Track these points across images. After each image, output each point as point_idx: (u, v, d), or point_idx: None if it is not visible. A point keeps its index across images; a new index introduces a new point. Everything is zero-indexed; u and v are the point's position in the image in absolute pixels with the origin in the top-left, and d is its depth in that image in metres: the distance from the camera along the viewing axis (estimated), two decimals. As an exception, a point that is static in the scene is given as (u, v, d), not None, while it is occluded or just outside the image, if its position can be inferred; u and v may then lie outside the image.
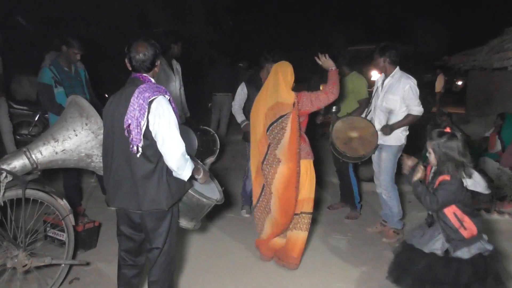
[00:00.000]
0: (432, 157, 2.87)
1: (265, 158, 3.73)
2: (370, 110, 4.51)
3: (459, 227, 2.78)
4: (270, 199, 3.75)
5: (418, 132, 5.21)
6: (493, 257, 2.82)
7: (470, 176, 2.79)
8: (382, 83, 4.35)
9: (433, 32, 16.22)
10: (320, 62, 3.80)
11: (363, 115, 4.57)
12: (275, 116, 3.64)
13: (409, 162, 3.07)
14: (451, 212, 2.81)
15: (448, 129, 2.87)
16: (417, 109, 4.13)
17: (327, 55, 3.78)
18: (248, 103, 4.80)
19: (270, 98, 3.69)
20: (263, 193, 3.83)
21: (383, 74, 4.39)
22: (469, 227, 2.78)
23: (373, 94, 4.52)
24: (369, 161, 4.60)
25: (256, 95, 4.34)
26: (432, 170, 2.98)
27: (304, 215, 3.80)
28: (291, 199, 3.68)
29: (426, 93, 11.46)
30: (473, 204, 2.87)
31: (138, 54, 2.61)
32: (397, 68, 4.25)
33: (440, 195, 2.75)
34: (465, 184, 2.80)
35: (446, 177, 2.78)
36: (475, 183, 2.85)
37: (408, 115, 4.17)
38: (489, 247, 2.82)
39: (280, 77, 3.68)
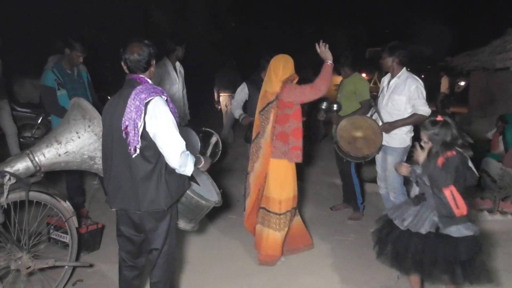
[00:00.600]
0: (428, 146, 3.00)
1: (254, 141, 3.90)
2: (375, 111, 4.47)
3: (453, 205, 2.87)
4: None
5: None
6: (479, 240, 2.95)
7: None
8: (388, 84, 4.32)
9: (435, 32, 16.19)
10: (318, 51, 3.82)
11: (368, 115, 4.54)
12: (262, 105, 3.80)
13: (421, 154, 3.10)
14: (448, 190, 2.88)
15: (440, 118, 3.00)
16: (424, 109, 4.07)
17: (327, 45, 3.79)
18: (250, 103, 4.85)
19: (262, 89, 3.88)
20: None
21: (388, 75, 4.35)
22: (461, 206, 2.87)
23: (378, 95, 4.49)
24: (372, 162, 4.59)
25: (254, 95, 4.55)
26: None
27: (272, 214, 3.87)
28: (256, 188, 3.91)
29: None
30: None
31: (133, 55, 2.62)
32: (404, 68, 4.21)
33: (450, 171, 2.85)
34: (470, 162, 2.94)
35: (453, 152, 2.89)
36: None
37: (413, 114, 4.11)
38: (475, 227, 2.95)
39: (271, 70, 3.81)
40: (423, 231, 2.96)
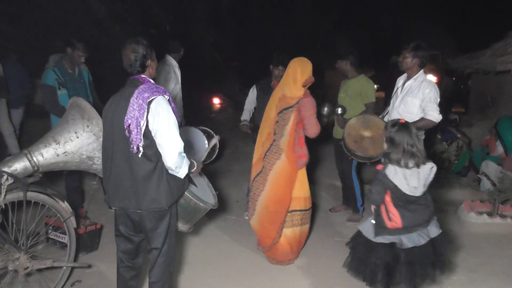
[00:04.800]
0: (384, 146, 3.03)
1: (270, 148, 3.88)
2: (388, 111, 4.39)
3: (385, 216, 2.90)
4: (264, 185, 3.91)
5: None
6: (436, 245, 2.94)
7: (418, 166, 2.87)
8: (403, 84, 4.21)
9: (436, 35, 16.17)
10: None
11: (380, 116, 4.43)
12: (281, 107, 3.84)
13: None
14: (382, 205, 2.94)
15: (402, 120, 3.00)
16: (434, 115, 3.94)
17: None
18: (257, 107, 4.96)
19: (280, 91, 3.92)
20: (259, 175, 3.96)
21: (405, 75, 4.23)
22: (394, 219, 2.89)
23: (392, 95, 4.39)
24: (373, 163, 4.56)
25: (262, 98, 4.65)
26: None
27: (294, 213, 3.91)
28: (286, 191, 3.86)
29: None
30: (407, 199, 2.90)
31: (127, 58, 2.64)
32: (422, 71, 4.09)
33: (374, 185, 2.94)
34: (392, 175, 2.88)
35: (380, 167, 2.97)
36: (406, 179, 2.86)
37: (422, 119, 3.99)
38: (411, 243, 2.89)
39: (290, 74, 3.84)
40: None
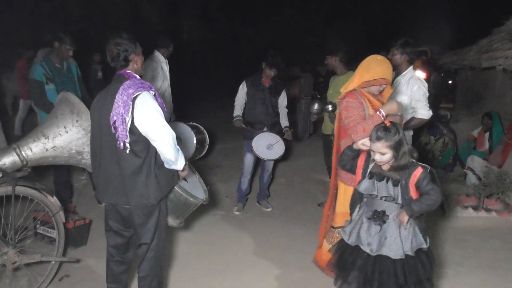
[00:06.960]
0: (387, 157, 2.57)
1: None
2: None
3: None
4: None
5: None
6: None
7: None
8: (392, 81, 4.24)
9: (425, 31, 16.23)
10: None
11: None
12: None
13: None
14: None
15: (387, 122, 2.61)
16: (424, 113, 3.97)
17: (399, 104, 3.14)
18: (248, 104, 4.97)
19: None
20: None
21: (394, 72, 4.23)
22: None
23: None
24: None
25: (252, 94, 4.67)
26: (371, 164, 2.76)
27: (336, 230, 3.43)
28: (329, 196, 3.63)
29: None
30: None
31: (110, 52, 2.63)
32: (411, 67, 4.09)
33: (436, 185, 2.54)
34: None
35: (420, 169, 2.56)
36: None
37: (412, 119, 4.01)
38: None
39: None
40: (398, 255, 2.58)
